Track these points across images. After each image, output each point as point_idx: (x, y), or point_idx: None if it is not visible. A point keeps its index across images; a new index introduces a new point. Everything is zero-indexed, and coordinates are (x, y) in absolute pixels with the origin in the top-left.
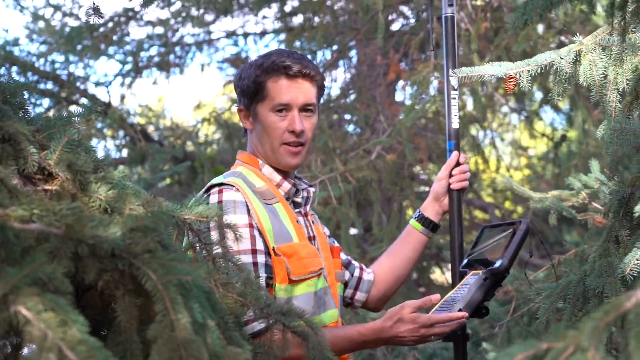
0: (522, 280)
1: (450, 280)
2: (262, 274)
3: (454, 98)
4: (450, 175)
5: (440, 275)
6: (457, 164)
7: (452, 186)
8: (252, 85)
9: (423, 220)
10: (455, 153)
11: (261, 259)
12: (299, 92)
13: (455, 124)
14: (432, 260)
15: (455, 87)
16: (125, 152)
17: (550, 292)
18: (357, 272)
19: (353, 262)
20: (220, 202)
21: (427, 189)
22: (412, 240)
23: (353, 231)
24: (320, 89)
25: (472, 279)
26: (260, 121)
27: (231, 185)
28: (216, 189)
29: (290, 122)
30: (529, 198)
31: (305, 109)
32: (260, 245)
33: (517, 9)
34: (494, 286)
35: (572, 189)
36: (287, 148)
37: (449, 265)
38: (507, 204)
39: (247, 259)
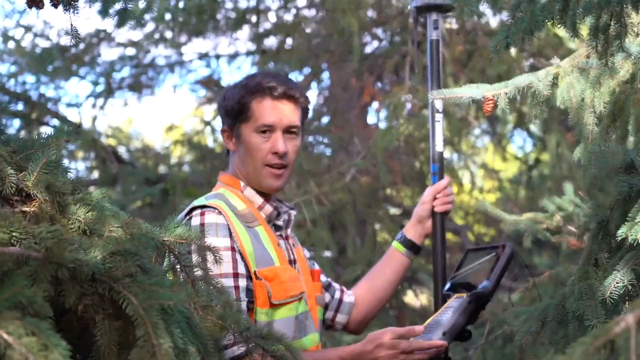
0: (495, 303)
1: (425, 304)
2: (244, 298)
3: (438, 121)
4: (435, 199)
5: (414, 298)
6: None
7: (436, 209)
8: (236, 105)
9: (406, 242)
10: (445, 178)
11: (242, 282)
12: (283, 114)
13: (440, 147)
14: (405, 282)
15: (440, 110)
16: (96, 174)
17: (528, 315)
18: (337, 294)
19: (334, 284)
20: (202, 224)
21: (400, 211)
22: (394, 262)
23: (327, 254)
24: (305, 111)
25: (456, 302)
26: (244, 142)
27: (213, 207)
28: (198, 211)
29: (273, 143)
30: (502, 220)
31: (289, 130)
32: (241, 269)
33: (499, 32)
34: (477, 310)
35: (546, 212)
36: (270, 170)
37: (424, 289)
38: (480, 227)
39: (228, 282)
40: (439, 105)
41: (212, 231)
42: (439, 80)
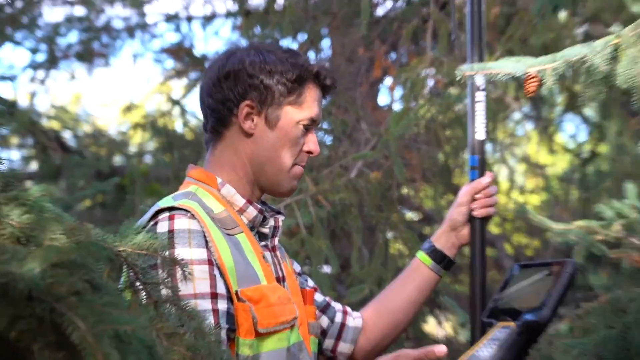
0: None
1: (450, 334)
2: (223, 325)
3: (480, 101)
4: (473, 199)
5: (436, 327)
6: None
7: (475, 213)
8: (289, 84)
9: (434, 253)
10: (488, 174)
11: (222, 305)
12: (320, 107)
13: (481, 134)
14: (425, 306)
15: (482, 87)
16: (35, 166)
17: (581, 350)
18: (339, 317)
19: (333, 304)
20: (171, 231)
21: (419, 216)
22: (418, 277)
23: (326, 269)
24: None
25: (503, 333)
26: (281, 129)
27: (184, 210)
28: (166, 214)
29: (310, 141)
30: (547, 230)
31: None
32: (221, 288)
33: None
34: (528, 343)
35: (602, 219)
36: (299, 170)
37: (449, 315)
38: (520, 237)
39: (205, 304)
40: (480, 81)
41: (183, 240)
42: (481, 49)
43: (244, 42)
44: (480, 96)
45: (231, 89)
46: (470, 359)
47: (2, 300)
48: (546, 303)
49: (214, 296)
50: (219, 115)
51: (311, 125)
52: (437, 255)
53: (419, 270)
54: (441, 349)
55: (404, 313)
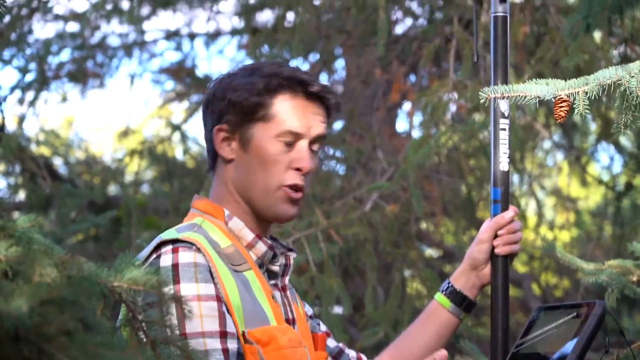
0: None
1: None
2: None
3: (504, 129)
4: (496, 236)
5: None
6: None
7: (497, 250)
8: (253, 98)
9: (454, 295)
10: (511, 209)
11: (232, 345)
12: (314, 120)
13: (505, 165)
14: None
15: (507, 114)
16: (22, 195)
17: None
18: None
19: (347, 351)
20: (175, 265)
21: (439, 253)
22: (437, 321)
23: (338, 310)
24: (330, 122)
25: None
26: (256, 149)
27: (189, 243)
28: (169, 247)
29: (298, 156)
30: (578, 269)
31: (314, 143)
32: (231, 327)
33: (577, 9)
34: None
35: (637, 258)
36: (287, 192)
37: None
38: (549, 277)
39: (214, 344)
40: (504, 107)
41: (189, 274)
42: (506, 72)
43: (250, 62)
44: (504, 124)
45: (210, 118)
46: None
47: None
48: (573, 349)
49: (224, 335)
50: (209, 147)
51: (297, 140)
52: (456, 297)
53: (437, 314)
54: (442, 354)
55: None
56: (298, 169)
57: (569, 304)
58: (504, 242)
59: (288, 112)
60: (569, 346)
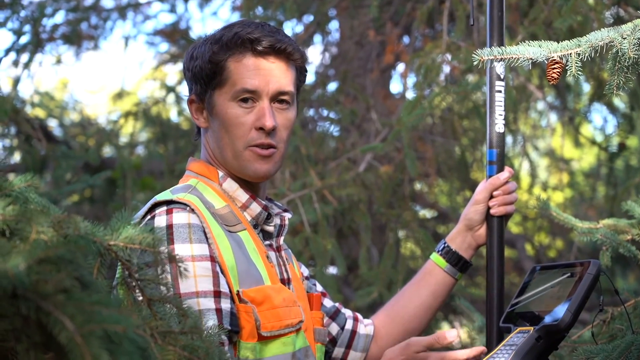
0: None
1: (465, 340)
2: (227, 326)
3: (499, 91)
4: (491, 197)
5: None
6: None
7: (492, 211)
8: (207, 65)
9: (450, 255)
10: (506, 170)
11: (226, 304)
12: (270, 75)
13: (500, 127)
14: (439, 311)
15: (502, 76)
16: (18, 156)
17: (605, 356)
18: (349, 324)
19: (343, 310)
20: (169, 226)
21: (433, 213)
22: (433, 281)
23: (332, 270)
24: (301, 72)
25: (519, 338)
26: (219, 115)
27: (183, 204)
28: (163, 208)
29: (258, 115)
30: (572, 229)
31: (279, 98)
32: (224, 287)
33: None
34: (548, 349)
35: (631, 217)
36: (255, 150)
37: (464, 320)
38: (542, 237)
39: (208, 303)
40: (500, 69)
41: (183, 235)
42: (502, 35)
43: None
44: (499, 86)
45: (188, 88)
46: None
47: None
48: (568, 307)
49: (217, 294)
50: (190, 112)
51: (252, 98)
52: (452, 257)
53: (433, 274)
54: (452, 334)
55: (418, 320)
56: (260, 128)
57: (564, 263)
58: (500, 202)
59: (239, 73)
60: (564, 305)
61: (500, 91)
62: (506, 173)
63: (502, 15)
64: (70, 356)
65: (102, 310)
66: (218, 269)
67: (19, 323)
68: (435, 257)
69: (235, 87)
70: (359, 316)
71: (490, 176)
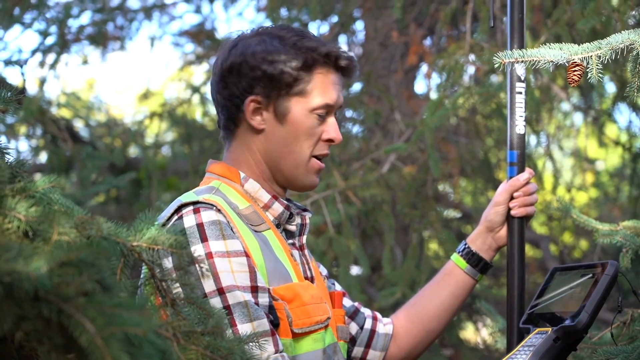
0: (581, 343)
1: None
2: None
3: (520, 92)
4: (512, 198)
5: (474, 333)
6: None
7: (513, 212)
8: (293, 72)
9: (470, 256)
10: (527, 171)
11: (264, 299)
12: (340, 91)
13: (521, 128)
14: (463, 312)
15: (522, 78)
16: (44, 157)
17: (624, 357)
18: (368, 324)
19: (362, 309)
20: (200, 224)
21: (457, 214)
22: (453, 282)
23: (356, 270)
24: None
25: (538, 339)
26: (292, 122)
27: (210, 204)
28: (190, 207)
29: (329, 128)
30: (594, 230)
31: (335, 113)
32: (261, 281)
33: None
34: (566, 350)
35: None
36: (317, 162)
37: (488, 321)
38: (567, 237)
39: (247, 298)
40: (520, 71)
41: (215, 232)
42: (522, 37)
43: (268, 25)
44: (520, 87)
45: (235, 84)
46: None
47: (7, 300)
48: (585, 308)
49: (254, 290)
50: (228, 113)
51: (328, 112)
52: (472, 258)
53: (454, 274)
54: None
55: (438, 320)
56: (329, 140)
57: (583, 264)
58: (520, 204)
59: (323, 87)
60: (582, 306)
61: (520, 93)
62: (526, 174)
63: (522, 17)
64: (91, 358)
65: (122, 313)
66: (253, 263)
67: (40, 325)
68: (456, 258)
69: (318, 100)
70: (378, 315)
71: (511, 177)
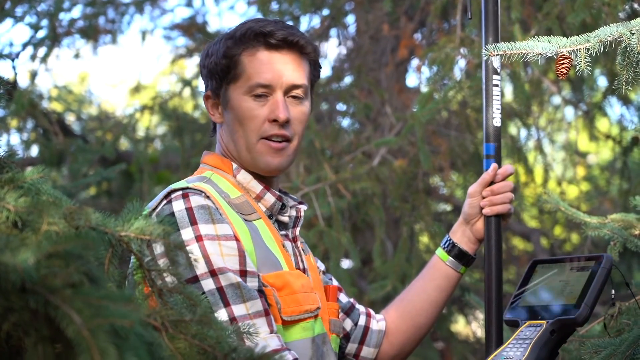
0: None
1: (480, 335)
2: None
3: (496, 85)
4: (485, 191)
5: (465, 326)
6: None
7: (484, 211)
8: (221, 61)
9: (451, 248)
10: (504, 167)
11: (253, 283)
12: (283, 69)
13: (497, 121)
14: (454, 305)
15: (498, 70)
16: (35, 150)
17: (612, 350)
18: (362, 320)
19: (357, 306)
20: (189, 208)
21: (448, 207)
22: (438, 275)
23: (346, 263)
24: (315, 67)
25: (532, 332)
26: (233, 109)
27: (198, 190)
28: (179, 193)
29: (271, 108)
30: (582, 223)
31: (292, 92)
32: (251, 266)
33: None
34: (559, 342)
35: None
36: (267, 143)
37: (479, 314)
38: (558, 231)
39: (239, 278)
40: (496, 63)
41: (204, 216)
42: (497, 28)
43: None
44: (496, 79)
45: (204, 84)
46: (500, 358)
47: None
48: (585, 301)
49: (244, 274)
50: (206, 107)
51: (266, 93)
52: (453, 250)
53: (437, 267)
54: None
55: (426, 315)
56: (274, 120)
57: (567, 257)
58: (489, 202)
59: (252, 67)
60: (580, 299)
61: (497, 85)
62: (491, 171)
63: (497, 9)
64: (78, 350)
65: (109, 304)
66: (243, 247)
67: (27, 317)
68: (439, 251)
69: (250, 81)
70: (372, 312)
71: (487, 170)
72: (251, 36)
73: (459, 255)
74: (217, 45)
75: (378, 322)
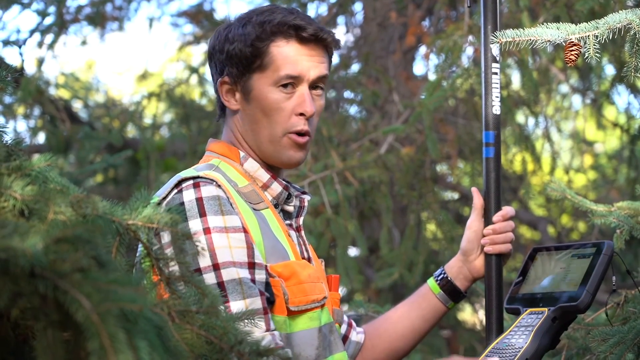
0: (575, 324)
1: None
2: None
3: (495, 73)
4: (486, 230)
5: (472, 315)
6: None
7: (485, 249)
8: (247, 49)
9: (444, 282)
10: (505, 209)
11: (260, 276)
12: (311, 62)
13: (496, 109)
14: None
15: (497, 58)
16: (42, 137)
17: (619, 338)
18: (343, 329)
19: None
20: (199, 198)
21: (455, 195)
22: (425, 305)
23: (353, 251)
24: (331, 60)
25: (534, 319)
26: (256, 99)
27: (210, 179)
28: (190, 182)
29: (299, 101)
30: (589, 211)
31: (316, 85)
32: (259, 258)
33: None
34: (561, 329)
35: None
36: (293, 138)
37: (484, 301)
38: (565, 219)
39: (243, 274)
40: (495, 50)
41: (214, 207)
42: (496, 14)
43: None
44: (495, 67)
45: (214, 70)
46: (501, 345)
47: (3, 277)
48: (587, 288)
49: (252, 266)
50: (217, 97)
51: (295, 84)
52: (446, 285)
53: (426, 298)
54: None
55: (404, 341)
56: (301, 114)
57: (568, 244)
58: (492, 241)
59: (282, 58)
60: (582, 286)
61: (496, 73)
62: (479, 198)
63: None
64: (87, 334)
65: (118, 289)
66: (251, 240)
67: (36, 302)
68: (431, 282)
69: (279, 72)
70: (353, 323)
71: (487, 157)
72: (284, 28)
73: (451, 292)
74: (240, 31)
75: (357, 334)
